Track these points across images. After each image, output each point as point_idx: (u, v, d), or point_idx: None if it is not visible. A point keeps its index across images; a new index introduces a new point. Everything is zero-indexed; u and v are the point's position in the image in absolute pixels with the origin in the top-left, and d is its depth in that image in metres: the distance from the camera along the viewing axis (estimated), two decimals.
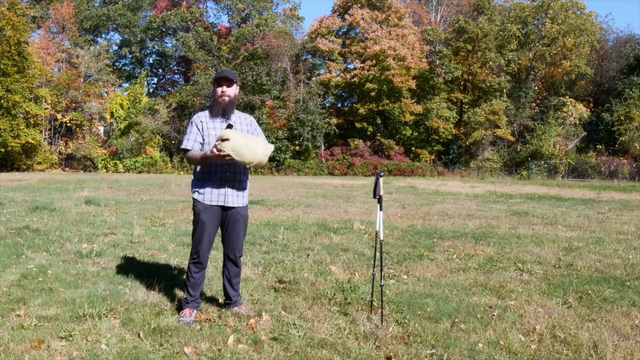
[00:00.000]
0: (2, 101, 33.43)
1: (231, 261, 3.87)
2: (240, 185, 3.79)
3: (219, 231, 3.88)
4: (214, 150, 3.44)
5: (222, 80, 3.71)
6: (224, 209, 3.76)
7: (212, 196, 3.70)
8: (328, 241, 7.03)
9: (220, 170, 3.69)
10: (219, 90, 3.70)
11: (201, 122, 3.73)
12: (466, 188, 20.99)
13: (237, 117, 3.85)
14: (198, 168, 3.76)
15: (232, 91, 3.75)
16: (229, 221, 3.78)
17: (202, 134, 3.71)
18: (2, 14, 33.14)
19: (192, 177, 3.89)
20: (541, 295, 4.45)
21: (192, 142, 3.71)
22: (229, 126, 3.67)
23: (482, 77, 40.21)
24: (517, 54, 40.53)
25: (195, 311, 3.76)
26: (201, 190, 3.71)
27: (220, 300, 4.10)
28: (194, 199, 3.76)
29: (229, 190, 3.73)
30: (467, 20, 39.30)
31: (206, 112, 3.80)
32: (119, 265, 5.29)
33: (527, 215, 10.57)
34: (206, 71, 40.58)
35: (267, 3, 43.71)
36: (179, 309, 3.84)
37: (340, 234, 7.60)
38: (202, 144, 3.70)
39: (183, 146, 3.73)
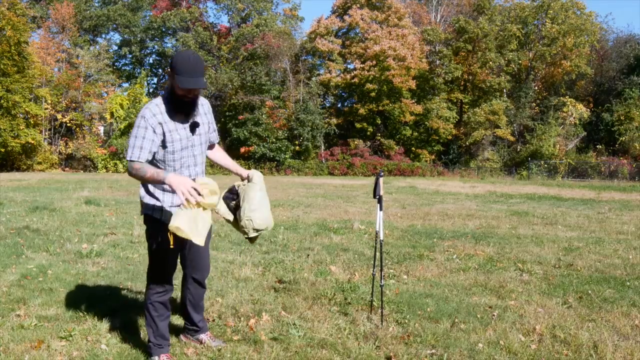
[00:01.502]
0: (2, 101, 33.43)
1: (196, 282, 3.20)
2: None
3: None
4: (194, 191, 2.63)
5: (196, 89, 2.76)
6: None
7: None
8: (328, 241, 7.02)
9: (186, 170, 2.95)
10: (189, 93, 2.76)
11: (159, 123, 2.77)
12: (466, 188, 20.98)
13: (200, 104, 2.97)
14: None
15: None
16: None
17: (164, 139, 2.80)
18: (2, 14, 33.15)
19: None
20: (541, 295, 4.45)
21: (145, 153, 2.75)
22: (195, 125, 2.90)
23: (482, 77, 40.21)
24: (517, 54, 40.53)
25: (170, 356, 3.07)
26: (159, 206, 2.91)
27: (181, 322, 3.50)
28: (149, 216, 2.92)
29: None
30: (468, 20, 39.31)
31: (162, 107, 2.80)
32: (119, 266, 5.29)
33: (527, 215, 10.57)
34: (206, 71, 40.54)
35: (267, 3, 43.74)
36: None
37: (340, 234, 7.60)
38: (156, 155, 2.83)
39: (134, 157, 2.73)
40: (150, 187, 2.92)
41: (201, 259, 3.13)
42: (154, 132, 2.75)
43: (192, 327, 3.28)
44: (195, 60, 2.70)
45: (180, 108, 2.81)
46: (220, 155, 3.27)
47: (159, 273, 3.00)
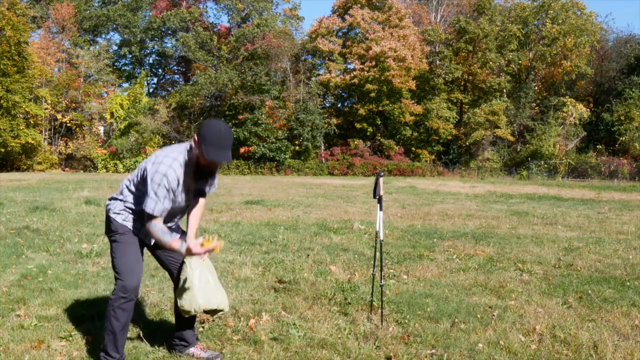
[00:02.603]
0: (2, 101, 33.44)
1: None
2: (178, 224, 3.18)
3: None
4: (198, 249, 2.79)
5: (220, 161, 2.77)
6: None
7: (147, 237, 2.96)
8: (328, 241, 7.02)
9: (169, 221, 2.99)
10: (213, 164, 2.82)
11: (177, 186, 2.80)
12: (466, 188, 20.98)
13: None
14: (132, 200, 2.93)
15: None
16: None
17: (173, 195, 2.82)
18: (2, 14, 33.15)
19: None
20: (541, 295, 4.45)
21: (163, 208, 2.78)
22: (202, 193, 3.04)
23: (482, 78, 40.22)
24: (517, 54, 40.55)
25: None
26: (132, 224, 2.95)
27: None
28: (115, 221, 2.94)
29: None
30: (468, 20, 39.31)
31: (181, 171, 2.79)
32: None
33: (527, 215, 10.57)
34: (206, 71, 40.58)
35: (267, 3, 43.72)
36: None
37: (340, 234, 7.59)
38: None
39: (156, 212, 2.75)
40: (125, 206, 2.94)
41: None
42: (173, 192, 2.79)
43: (180, 343, 3.11)
44: (226, 134, 2.71)
45: (199, 175, 2.87)
46: (196, 207, 3.09)
47: (123, 270, 2.87)
